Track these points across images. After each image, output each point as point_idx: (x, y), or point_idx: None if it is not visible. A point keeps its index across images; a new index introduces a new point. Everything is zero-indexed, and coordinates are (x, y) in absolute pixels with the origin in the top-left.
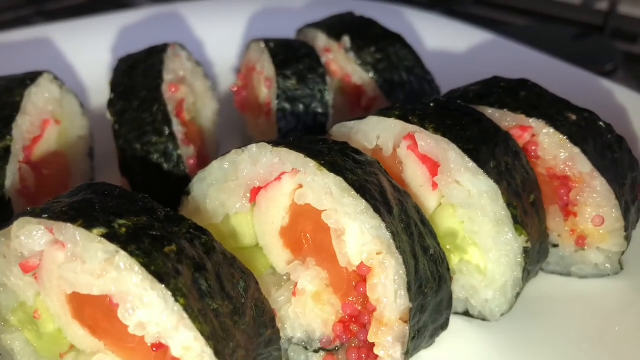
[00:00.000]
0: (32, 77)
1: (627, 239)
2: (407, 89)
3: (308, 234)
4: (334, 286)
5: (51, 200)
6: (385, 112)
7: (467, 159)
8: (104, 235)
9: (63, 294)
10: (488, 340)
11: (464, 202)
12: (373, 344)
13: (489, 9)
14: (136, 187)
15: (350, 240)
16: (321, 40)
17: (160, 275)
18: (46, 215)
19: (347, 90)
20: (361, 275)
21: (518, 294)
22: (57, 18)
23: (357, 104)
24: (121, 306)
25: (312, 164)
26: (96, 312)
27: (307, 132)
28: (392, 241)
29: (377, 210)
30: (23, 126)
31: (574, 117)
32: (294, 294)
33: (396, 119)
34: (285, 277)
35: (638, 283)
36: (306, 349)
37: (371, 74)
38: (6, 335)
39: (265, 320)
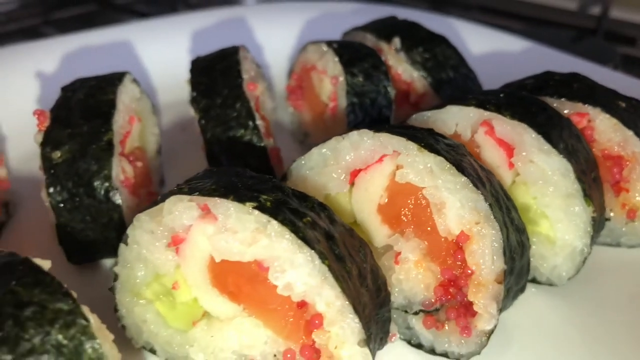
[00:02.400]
0: (118, 77)
1: None
2: (453, 85)
3: (407, 209)
4: (432, 254)
5: (182, 184)
6: (462, 102)
7: (542, 141)
8: (255, 208)
9: (204, 264)
10: (553, 304)
11: (538, 179)
12: (470, 304)
13: (485, 14)
14: None
15: (450, 212)
16: (370, 42)
17: (307, 240)
18: (197, 193)
19: (396, 88)
20: (457, 243)
21: (585, 259)
22: (65, 27)
23: (405, 100)
24: (271, 269)
25: (413, 146)
26: (239, 278)
27: (373, 124)
28: (490, 212)
29: (475, 184)
30: (118, 122)
31: (623, 104)
32: (396, 262)
33: (475, 107)
34: (381, 251)
35: None
36: (406, 312)
37: (420, 72)
38: (139, 308)
39: (379, 284)
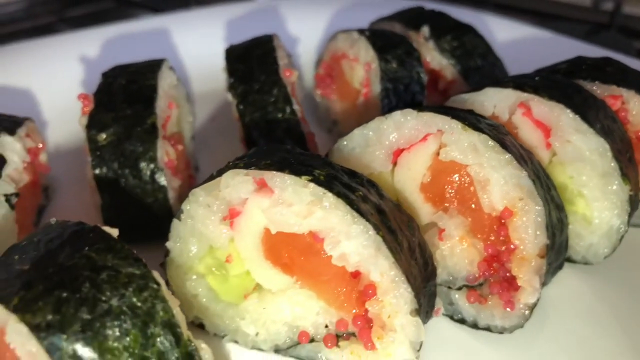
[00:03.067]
0: (157, 64)
1: None
2: (481, 73)
3: (450, 187)
4: (476, 230)
5: (236, 160)
6: (500, 84)
7: (579, 121)
8: (310, 181)
9: (258, 237)
10: (588, 282)
11: (576, 159)
12: (513, 278)
13: (499, 10)
14: None
15: (494, 189)
16: (398, 31)
17: (361, 212)
18: (254, 167)
19: None
20: (500, 219)
21: (622, 238)
22: (80, 25)
23: (434, 87)
24: (326, 240)
25: (457, 124)
26: (293, 250)
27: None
28: (533, 188)
29: (518, 161)
30: (160, 106)
31: None
32: (440, 239)
33: (512, 89)
34: (424, 228)
35: None
36: (449, 287)
37: (449, 60)
38: (190, 283)
39: (427, 258)
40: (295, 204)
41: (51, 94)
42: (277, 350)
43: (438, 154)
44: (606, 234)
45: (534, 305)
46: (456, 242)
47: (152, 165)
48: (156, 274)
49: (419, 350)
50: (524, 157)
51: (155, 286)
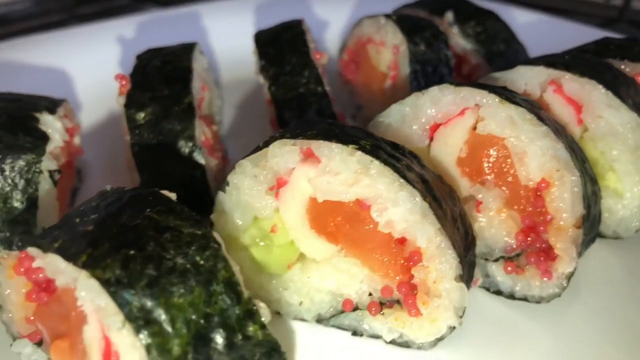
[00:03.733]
0: (190, 47)
1: None
2: (505, 57)
3: (487, 160)
4: (513, 202)
5: (282, 131)
6: (531, 62)
7: (611, 96)
8: (357, 149)
9: (303, 206)
10: (618, 256)
11: (607, 134)
12: (550, 248)
13: (510, 4)
14: None
15: (531, 161)
16: (422, 17)
17: (408, 179)
18: (301, 138)
19: None
20: (537, 191)
21: None
22: (91, 21)
23: (458, 72)
24: (373, 207)
25: (495, 98)
26: (339, 218)
27: None
28: (570, 159)
29: (554, 134)
30: (195, 87)
31: None
32: (477, 211)
33: (544, 67)
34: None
35: None
36: (486, 259)
37: (473, 45)
38: (234, 255)
39: (467, 227)
40: (342, 172)
41: (81, 81)
42: (319, 320)
43: (475, 128)
44: (637, 208)
45: (571, 274)
46: (494, 214)
47: (190, 144)
48: (216, 235)
49: (461, 317)
50: (558, 130)
51: (216, 246)
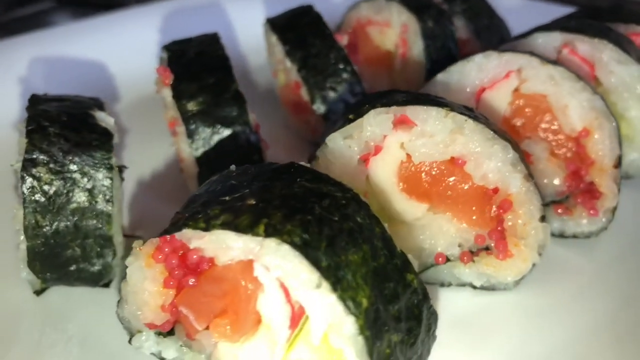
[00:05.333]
0: (215, 37)
1: None
2: (490, 31)
3: (532, 117)
4: (558, 151)
5: (373, 100)
6: (546, 29)
7: (620, 52)
8: (450, 111)
9: (394, 171)
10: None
11: (619, 86)
12: (594, 188)
13: None
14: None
15: (573, 113)
16: None
17: (498, 133)
18: (395, 105)
19: None
20: (578, 139)
21: None
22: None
23: None
24: (468, 163)
25: (536, 60)
26: (432, 178)
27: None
28: (606, 108)
29: (591, 88)
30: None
31: None
32: (530, 163)
33: (560, 32)
34: None
35: None
36: None
37: (463, 21)
38: None
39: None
40: (437, 134)
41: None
42: None
43: (517, 89)
44: None
45: (615, 208)
46: (543, 164)
47: (247, 129)
48: (362, 196)
49: (541, 255)
50: (590, 84)
51: (366, 206)
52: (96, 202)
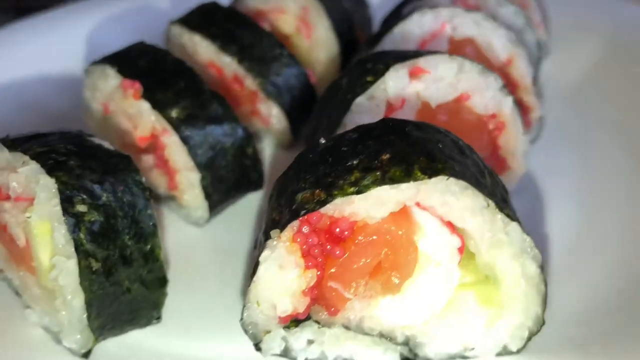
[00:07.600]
0: (148, 44)
1: None
2: None
3: (468, 54)
4: None
5: (394, 60)
6: None
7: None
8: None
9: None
10: None
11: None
12: (524, 106)
13: None
14: None
15: (496, 46)
16: None
17: (484, 67)
18: (407, 58)
19: None
20: (505, 67)
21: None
22: None
23: None
24: (473, 97)
25: (461, 10)
26: (443, 115)
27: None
28: (518, 40)
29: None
30: None
31: None
32: None
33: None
34: None
35: None
36: None
37: None
38: None
39: None
40: (446, 76)
41: None
42: None
43: (451, 37)
44: None
45: (541, 117)
46: None
47: (236, 124)
48: None
49: None
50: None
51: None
52: (141, 228)
